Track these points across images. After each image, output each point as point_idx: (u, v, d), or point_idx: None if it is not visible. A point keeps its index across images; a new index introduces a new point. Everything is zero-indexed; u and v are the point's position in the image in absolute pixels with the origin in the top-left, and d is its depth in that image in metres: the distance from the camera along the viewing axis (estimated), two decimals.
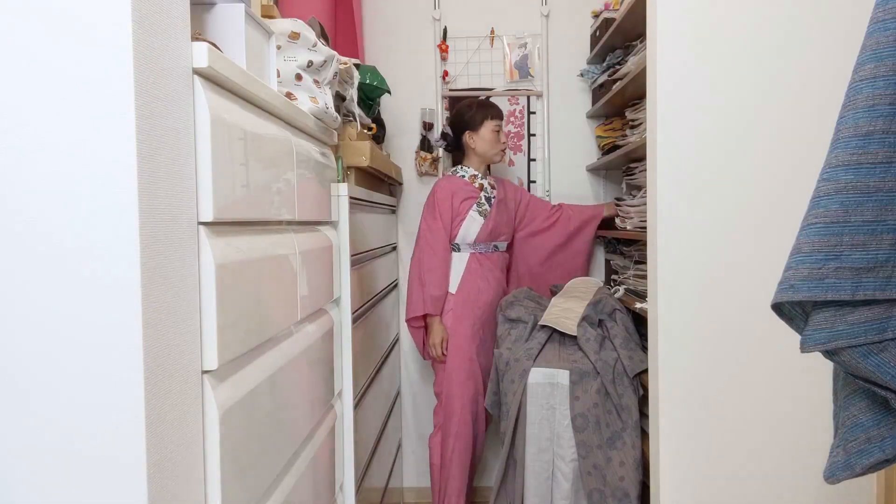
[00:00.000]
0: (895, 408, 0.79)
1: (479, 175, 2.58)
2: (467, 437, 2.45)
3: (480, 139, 2.53)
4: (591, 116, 2.86)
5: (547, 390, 2.07)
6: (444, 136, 2.65)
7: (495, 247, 2.59)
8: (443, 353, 2.45)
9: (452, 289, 2.49)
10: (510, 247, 2.69)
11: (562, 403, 2.05)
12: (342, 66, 1.78)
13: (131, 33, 0.73)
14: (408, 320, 2.54)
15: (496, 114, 2.55)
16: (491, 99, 2.86)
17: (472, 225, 2.52)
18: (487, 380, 2.46)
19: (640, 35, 2.17)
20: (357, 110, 1.97)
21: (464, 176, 2.57)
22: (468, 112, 2.56)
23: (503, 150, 2.59)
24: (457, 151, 2.65)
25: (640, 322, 2.29)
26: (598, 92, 2.67)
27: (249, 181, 1.05)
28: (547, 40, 2.86)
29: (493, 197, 2.59)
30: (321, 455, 1.48)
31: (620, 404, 2.02)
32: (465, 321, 2.46)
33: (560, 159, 2.90)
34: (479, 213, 2.53)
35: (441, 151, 2.88)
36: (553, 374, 2.07)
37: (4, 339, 0.74)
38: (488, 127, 2.53)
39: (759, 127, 1.53)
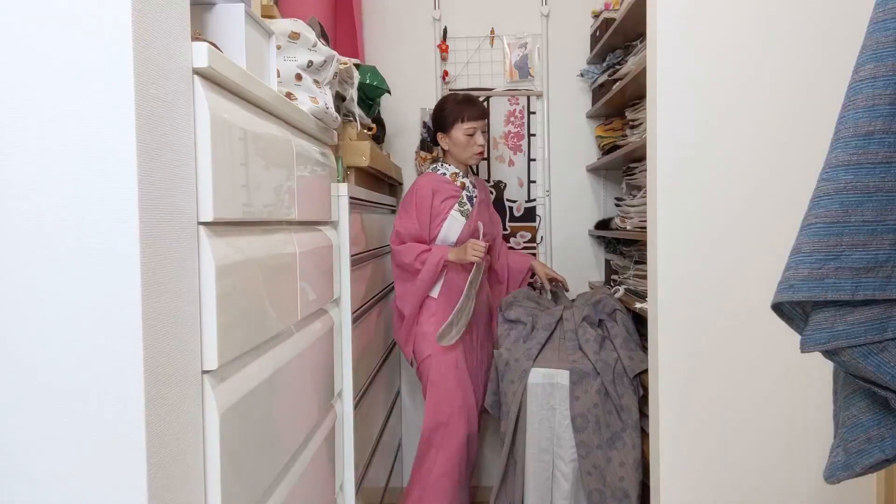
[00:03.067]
0: (895, 408, 0.79)
1: (461, 173, 2.43)
2: (454, 449, 2.28)
3: (451, 142, 2.39)
4: (591, 116, 2.86)
5: (547, 390, 2.07)
6: (426, 128, 2.52)
7: None
8: (481, 250, 2.25)
9: (434, 293, 2.33)
10: (491, 248, 2.53)
11: (562, 404, 2.05)
12: (342, 66, 1.78)
13: (131, 33, 0.73)
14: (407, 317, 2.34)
15: (472, 115, 2.36)
16: (491, 99, 2.86)
17: (453, 225, 2.36)
18: (477, 381, 2.42)
19: (640, 35, 2.17)
20: (357, 110, 1.97)
21: (445, 174, 2.42)
22: (443, 110, 2.39)
23: (480, 153, 2.40)
24: (437, 146, 2.52)
25: (640, 322, 2.29)
26: (598, 92, 2.67)
27: (249, 181, 1.05)
28: (547, 40, 2.86)
29: (475, 196, 2.44)
30: (321, 455, 1.48)
31: (620, 405, 2.02)
32: None
33: (560, 159, 2.90)
34: (461, 212, 2.38)
35: (441, 151, 2.86)
36: (553, 374, 2.08)
37: (4, 339, 0.74)
38: (459, 130, 2.36)
39: (759, 126, 1.53)
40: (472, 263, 2.29)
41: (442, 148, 2.45)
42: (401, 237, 2.31)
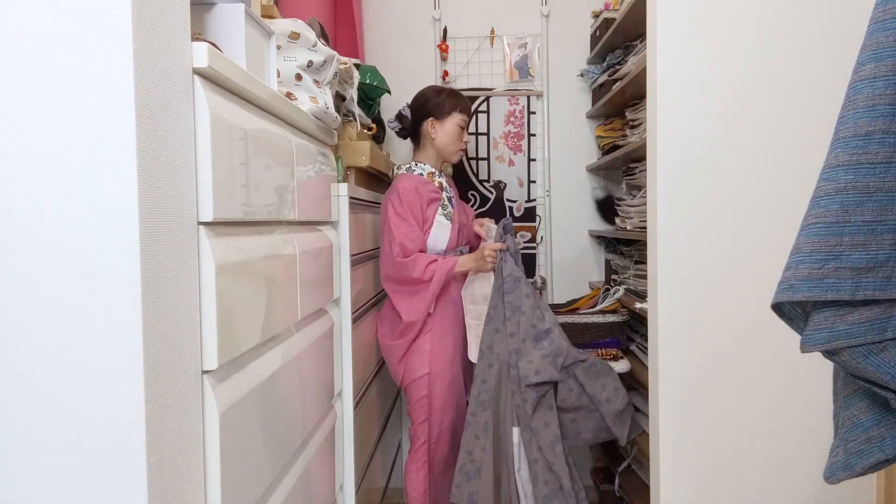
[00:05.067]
0: (895, 408, 0.79)
1: (437, 173, 2.30)
2: (437, 462, 2.25)
3: (443, 131, 2.26)
4: (591, 116, 2.86)
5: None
6: (399, 117, 2.34)
7: (461, 252, 2.31)
8: (493, 253, 2.13)
9: (430, 308, 2.19)
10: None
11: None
12: (342, 66, 1.78)
13: (131, 33, 0.73)
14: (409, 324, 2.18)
15: (466, 108, 2.29)
16: (491, 99, 2.85)
17: (441, 231, 2.23)
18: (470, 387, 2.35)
19: (640, 35, 2.17)
20: (357, 110, 1.97)
21: (422, 174, 2.26)
22: (437, 97, 2.27)
23: (463, 150, 2.32)
24: (410, 139, 2.39)
25: (640, 322, 2.29)
26: (598, 92, 2.67)
27: (249, 181, 1.05)
28: (547, 40, 2.86)
29: (452, 196, 2.33)
30: (321, 455, 1.48)
31: (553, 470, 2.00)
32: (447, 342, 2.22)
33: (560, 159, 2.90)
34: (445, 216, 2.25)
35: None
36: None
37: (4, 339, 0.74)
38: (454, 120, 2.25)
39: (759, 127, 1.53)
40: (482, 270, 2.18)
41: (427, 136, 2.28)
42: (406, 249, 2.12)
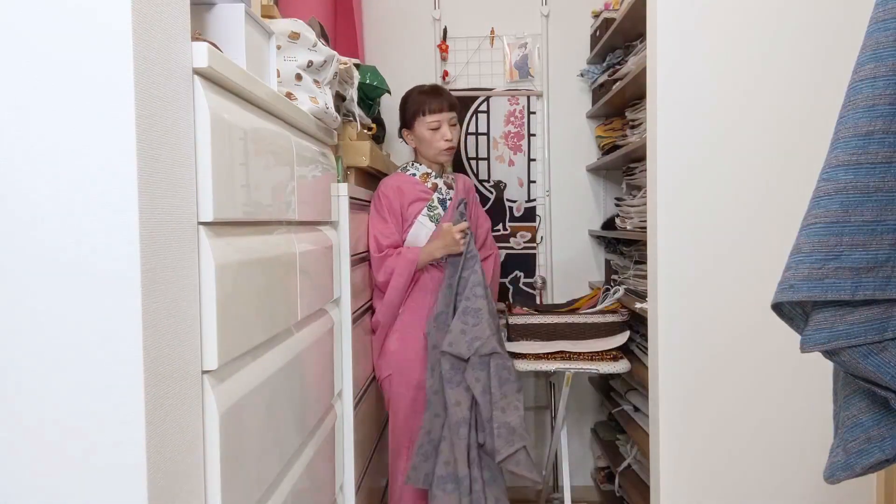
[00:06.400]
0: (895, 408, 0.79)
1: (433, 174, 2.23)
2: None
3: (416, 139, 2.22)
4: (591, 116, 2.86)
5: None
6: (400, 128, 2.36)
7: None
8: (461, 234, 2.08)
9: (395, 307, 2.13)
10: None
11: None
12: (342, 66, 1.78)
13: (131, 33, 0.73)
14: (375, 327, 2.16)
15: (435, 106, 2.16)
16: (491, 99, 2.85)
17: (421, 232, 2.15)
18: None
19: (640, 35, 2.17)
20: (357, 110, 1.97)
21: (414, 174, 2.22)
22: (405, 105, 2.23)
23: (448, 149, 2.19)
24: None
25: (640, 322, 2.29)
26: (598, 92, 2.67)
27: (249, 181, 1.05)
28: (547, 40, 2.86)
29: (449, 198, 2.22)
30: (321, 455, 1.48)
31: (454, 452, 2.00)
32: (414, 345, 2.12)
33: (560, 159, 2.90)
34: (431, 217, 2.17)
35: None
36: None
37: (3, 339, 0.74)
38: (421, 124, 2.17)
39: (759, 127, 1.53)
40: (454, 253, 2.09)
41: (410, 146, 2.29)
42: (380, 245, 2.09)
